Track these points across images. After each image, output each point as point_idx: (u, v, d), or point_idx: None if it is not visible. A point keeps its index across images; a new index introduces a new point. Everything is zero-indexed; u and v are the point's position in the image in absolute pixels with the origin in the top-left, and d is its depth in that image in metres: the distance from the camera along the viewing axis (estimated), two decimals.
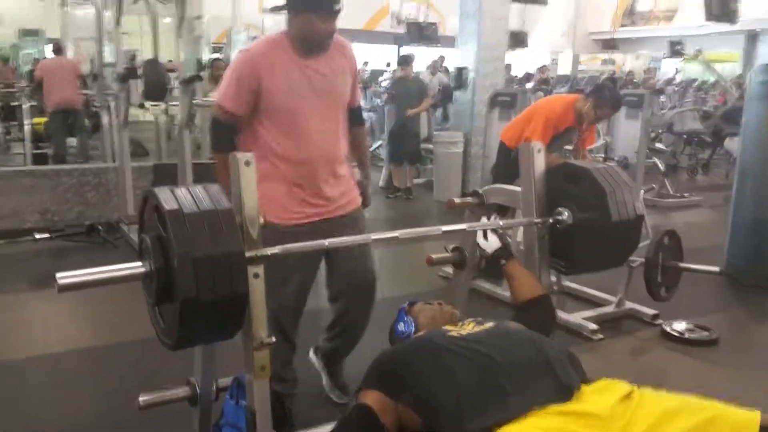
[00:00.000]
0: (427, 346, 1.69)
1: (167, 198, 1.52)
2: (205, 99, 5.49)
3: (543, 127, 3.96)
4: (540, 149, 2.26)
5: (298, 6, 2.20)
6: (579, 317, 3.58)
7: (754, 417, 1.41)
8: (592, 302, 3.89)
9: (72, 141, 8.00)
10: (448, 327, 1.81)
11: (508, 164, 4.17)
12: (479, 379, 1.54)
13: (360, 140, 2.62)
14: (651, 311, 3.71)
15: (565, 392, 1.52)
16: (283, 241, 1.78)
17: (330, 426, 2.02)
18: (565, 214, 2.20)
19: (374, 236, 1.92)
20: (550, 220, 2.20)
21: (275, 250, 1.72)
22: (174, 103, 6.06)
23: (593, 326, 3.49)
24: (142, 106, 5.83)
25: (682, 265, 3.50)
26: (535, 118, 4.03)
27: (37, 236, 4.91)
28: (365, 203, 2.58)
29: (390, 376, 1.68)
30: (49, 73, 7.55)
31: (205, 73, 6.82)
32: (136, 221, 4.89)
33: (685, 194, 7.55)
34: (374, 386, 1.68)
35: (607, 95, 3.96)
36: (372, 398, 1.64)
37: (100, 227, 5.10)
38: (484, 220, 2.13)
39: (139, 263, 1.56)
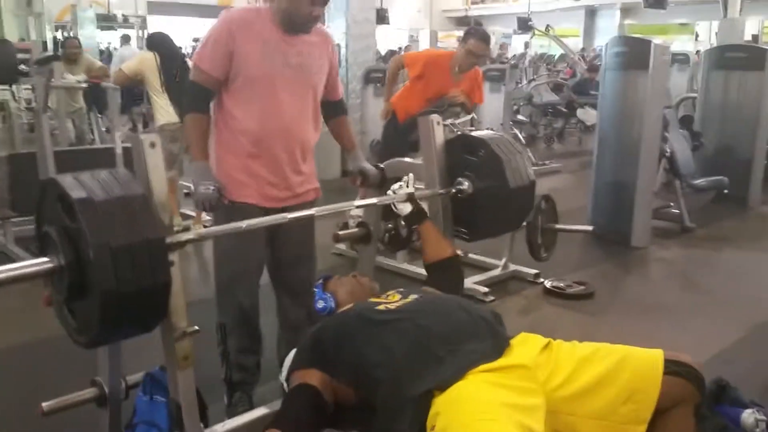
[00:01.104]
0: (358, 321, 1.71)
1: (72, 186, 1.41)
2: (62, 81, 5.10)
3: (418, 53, 4.33)
4: (439, 122, 2.32)
5: None
6: (470, 282, 3.73)
7: (659, 353, 1.57)
8: (480, 267, 4.07)
9: None
10: (374, 300, 1.83)
11: (395, 137, 4.27)
12: (414, 349, 1.58)
13: (345, 127, 2.55)
14: (533, 271, 3.94)
15: (497, 350, 1.59)
16: (233, 218, 1.75)
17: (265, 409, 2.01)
18: (466, 184, 2.29)
19: (290, 215, 1.89)
20: (452, 191, 2.27)
21: (191, 235, 1.66)
22: (25, 86, 5.59)
23: (484, 289, 3.66)
24: None
25: (559, 226, 3.75)
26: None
27: None
28: (366, 182, 2.47)
29: (324, 353, 1.67)
30: None
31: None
32: None
33: (546, 162, 8.02)
34: (310, 364, 1.67)
35: (473, 31, 4.18)
36: (311, 376, 1.63)
37: None
38: (395, 188, 2.16)
39: (45, 258, 1.44)
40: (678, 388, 1.53)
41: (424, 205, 2.23)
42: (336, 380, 1.64)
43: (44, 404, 1.80)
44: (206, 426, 1.87)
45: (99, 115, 7.26)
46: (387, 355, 1.59)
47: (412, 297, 1.79)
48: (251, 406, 2.28)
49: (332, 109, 2.50)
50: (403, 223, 2.14)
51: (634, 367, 1.55)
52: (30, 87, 5.94)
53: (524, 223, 3.61)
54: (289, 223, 1.90)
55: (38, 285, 1.53)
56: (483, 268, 4.05)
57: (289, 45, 2.20)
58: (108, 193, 1.42)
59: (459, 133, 2.67)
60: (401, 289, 1.86)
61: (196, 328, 1.62)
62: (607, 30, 20.03)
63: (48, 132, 4.65)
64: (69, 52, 6.48)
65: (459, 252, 2.33)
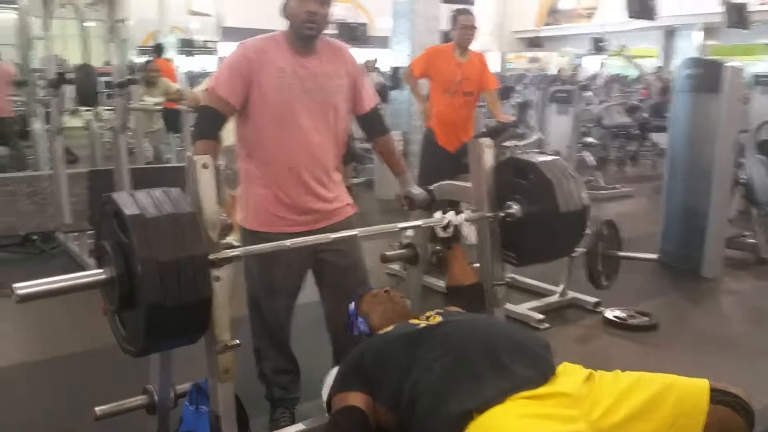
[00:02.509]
0: (399, 341, 1.72)
1: (127, 203, 1.49)
2: (140, 103, 5.37)
3: (423, 57, 4.53)
4: (489, 145, 2.32)
5: None
6: (525, 308, 3.69)
7: (704, 382, 1.52)
8: (536, 293, 4.00)
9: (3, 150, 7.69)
10: (414, 321, 1.84)
11: (433, 155, 4.42)
12: (454, 369, 1.59)
13: (390, 148, 2.53)
14: (593, 299, 3.84)
15: (541, 377, 1.58)
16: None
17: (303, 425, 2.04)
18: (515, 208, 2.27)
19: (333, 235, 1.93)
20: (501, 214, 2.26)
21: (236, 252, 1.72)
22: (106, 107, 5.90)
23: (539, 316, 3.60)
24: (75, 112, 5.63)
25: (621, 253, 3.65)
26: None
27: None
28: (413, 206, 2.43)
29: (367, 376, 1.70)
30: None
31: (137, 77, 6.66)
32: (73, 230, 4.76)
33: (616, 186, 7.83)
34: (353, 387, 1.69)
35: (457, 10, 4.45)
36: (356, 399, 1.66)
37: (35, 237, 4.91)
38: (437, 215, 2.17)
39: (100, 270, 1.53)
40: (724, 419, 1.47)
41: (472, 229, 2.24)
42: (378, 403, 1.65)
43: (97, 409, 1.90)
44: None
45: (176, 135, 7.59)
46: (427, 374, 1.59)
47: (455, 318, 1.79)
48: (293, 422, 2.32)
49: (370, 127, 2.48)
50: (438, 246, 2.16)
51: (678, 394, 1.50)
52: (111, 108, 6.25)
53: (583, 250, 3.56)
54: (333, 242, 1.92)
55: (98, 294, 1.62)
56: (539, 293, 3.99)
57: (305, 69, 2.19)
58: (159, 211, 1.49)
59: (519, 154, 2.66)
60: (440, 310, 1.87)
61: (237, 342, 1.67)
62: (687, 51, 19.40)
63: (125, 150, 4.90)
64: (148, 75, 6.83)
65: (509, 277, 2.32)
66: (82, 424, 2.09)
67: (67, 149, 7.56)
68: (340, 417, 1.67)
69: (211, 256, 1.57)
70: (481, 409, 1.48)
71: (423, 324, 1.76)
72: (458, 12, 4.41)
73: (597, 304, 3.83)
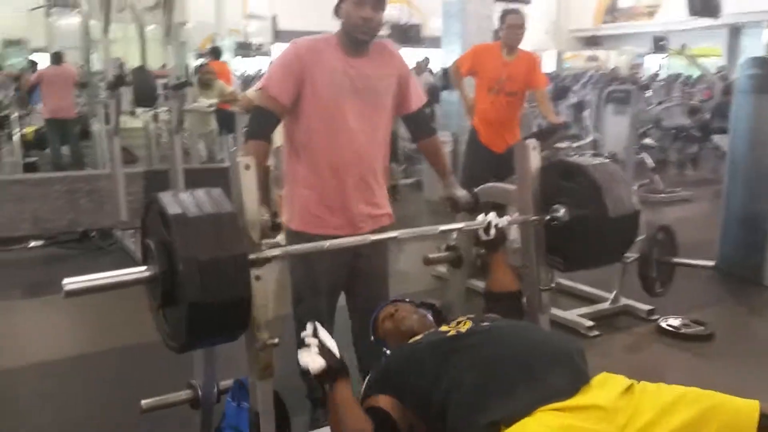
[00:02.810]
0: (427, 349, 1.71)
1: (170, 202, 1.52)
2: (195, 104, 5.50)
3: (469, 55, 4.53)
4: (536, 147, 2.27)
5: None
6: (574, 314, 3.60)
7: (754, 405, 1.44)
8: (587, 299, 3.91)
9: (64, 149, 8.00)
10: (444, 328, 1.82)
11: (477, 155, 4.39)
12: (483, 378, 1.55)
13: (436, 149, 2.52)
14: (646, 307, 3.73)
15: (573, 387, 1.53)
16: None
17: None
18: (561, 211, 2.21)
19: (372, 237, 1.93)
20: (547, 218, 2.21)
21: (276, 252, 1.73)
22: (163, 108, 6.07)
23: (589, 323, 3.51)
24: (133, 113, 5.82)
25: (677, 260, 3.53)
26: None
27: (31, 244, 4.90)
28: (457, 208, 2.42)
29: (394, 382, 1.69)
30: (48, 81, 7.56)
31: (194, 80, 6.84)
32: (129, 227, 4.92)
33: (676, 189, 7.59)
34: (385, 391, 1.69)
35: (504, 11, 4.42)
36: (385, 402, 1.65)
37: (93, 234, 5.09)
38: (480, 217, 2.14)
39: (144, 267, 1.57)
40: None
41: (517, 232, 2.20)
42: (408, 409, 1.64)
43: (143, 402, 1.94)
44: None
45: (230, 136, 7.74)
46: (455, 383, 1.57)
47: (485, 324, 1.76)
48: None
49: (416, 127, 2.47)
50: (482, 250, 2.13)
51: (723, 417, 1.42)
52: (167, 110, 6.43)
53: (637, 255, 3.46)
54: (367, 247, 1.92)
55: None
56: (590, 300, 3.89)
57: (355, 69, 2.20)
58: (201, 210, 1.52)
59: (568, 157, 2.61)
60: (472, 316, 1.84)
61: (276, 341, 1.68)
62: (753, 50, 18.65)
63: (180, 151, 5.03)
64: (203, 78, 6.99)
65: (556, 282, 2.28)
66: (130, 416, 2.14)
67: (126, 149, 7.83)
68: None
69: (251, 256, 1.59)
70: (509, 421, 1.45)
71: (452, 332, 1.74)
72: (506, 11, 4.37)
73: (650, 312, 3.72)
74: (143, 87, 4.66)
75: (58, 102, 7.49)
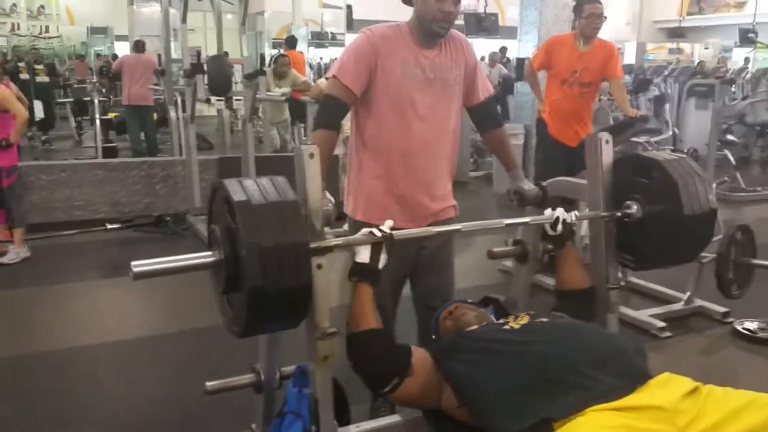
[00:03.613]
0: (482, 339, 1.71)
1: (236, 190, 1.55)
2: (268, 93, 5.59)
3: (542, 49, 4.42)
4: (608, 140, 2.20)
5: None
6: (645, 314, 3.49)
7: None
8: (659, 299, 3.78)
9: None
10: (501, 320, 1.81)
11: (548, 147, 4.33)
12: (534, 376, 1.54)
13: (503, 141, 2.48)
14: (722, 309, 3.59)
15: (629, 386, 1.49)
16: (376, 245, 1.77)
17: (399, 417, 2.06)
18: (634, 208, 2.14)
19: (436, 229, 1.91)
20: (618, 214, 2.14)
21: (338, 241, 1.74)
22: (238, 97, 6.21)
23: (660, 324, 3.40)
24: (208, 101, 5.97)
25: (756, 261, 3.36)
26: None
27: (109, 226, 5.12)
28: (523, 202, 2.36)
29: (445, 362, 1.71)
30: (129, 69, 7.87)
31: (268, 69, 6.98)
32: (202, 212, 5.05)
33: (758, 188, 7.23)
34: (428, 350, 1.75)
35: (577, 2, 4.28)
36: (420, 354, 1.73)
37: (168, 218, 5.27)
38: (548, 212, 2.09)
39: (209, 252, 1.60)
40: None
41: (585, 228, 2.14)
42: (446, 384, 1.69)
43: (208, 384, 1.99)
44: (345, 424, 1.94)
45: (302, 125, 7.86)
46: (504, 381, 1.56)
47: (542, 320, 1.73)
48: (393, 412, 2.33)
49: (483, 118, 2.43)
50: (550, 245, 2.07)
51: None
52: (240, 99, 6.58)
53: (714, 255, 3.31)
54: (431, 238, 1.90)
55: None
56: (662, 300, 3.76)
57: (427, 59, 2.17)
58: (265, 198, 1.54)
59: (652, 150, 2.51)
60: (532, 312, 1.81)
61: (336, 330, 1.69)
62: None
63: (252, 139, 5.15)
64: (279, 69, 7.11)
65: (626, 280, 2.21)
66: (195, 396, 2.20)
67: (202, 136, 8.08)
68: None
69: (313, 244, 1.60)
70: (561, 419, 1.42)
71: (507, 327, 1.73)
72: (582, 1, 4.21)
73: (726, 315, 3.57)
74: (218, 75, 4.77)
75: (137, 89, 7.77)
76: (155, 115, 8.43)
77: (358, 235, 1.78)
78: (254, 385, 2.07)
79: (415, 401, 1.83)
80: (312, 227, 1.66)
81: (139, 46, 8.21)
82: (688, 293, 3.68)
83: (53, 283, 4.13)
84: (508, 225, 1.98)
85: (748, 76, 12.30)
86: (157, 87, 7.79)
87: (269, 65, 7.04)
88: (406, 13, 2.24)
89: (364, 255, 1.76)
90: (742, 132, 8.53)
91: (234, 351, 2.67)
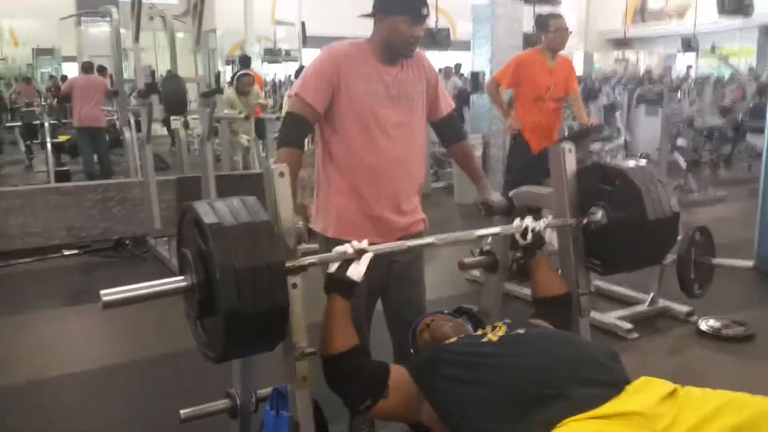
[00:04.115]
0: (459, 354, 1.71)
1: (206, 211, 1.52)
2: (227, 112, 5.53)
3: (504, 66, 4.42)
4: (571, 149, 2.24)
5: (387, 8, 2.16)
6: (613, 317, 3.55)
7: None
8: (624, 301, 3.85)
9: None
10: (480, 331, 1.81)
11: (521, 159, 4.27)
12: (514, 390, 1.54)
13: (467, 154, 2.51)
14: (685, 308, 3.67)
15: (608, 393, 1.50)
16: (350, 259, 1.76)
17: None
18: (599, 214, 2.18)
19: (409, 243, 1.90)
20: (584, 221, 2.17)
21: (312, 259, 1.72)
22: (194, 116, 6.14)
23: (628, 325, 3.46)
24: (166, 120, 5.88)
25: (715, 261, 3.45)
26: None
27: (66, 252, 4.97)
28: (491, 212, 2.37)
29: (423, 376, 1.71)
30: (79, 90, 7.69)
31: (230, 90, 6.93)
32: (163, 235, 4.95)
33: (709, 189, 7.46)
34: (406, 367, 1.74)
35: (541, 18, 4.41)
36: (397, 372, 1.72)
37: (127, 242, 5.15)
38: (516, 222, 2.11)
39: (181, 277, 1.57)
40: None
41: (554, 236, 2.17)
42: (429, 405, 1.66)
43: (182, 412, 1.94)
44: None
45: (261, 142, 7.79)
46: (484, 396, 1.56)
47: (518, 331, 1.74)
48: (372, 429, 2.31)
49: (447, 132, 2.45)
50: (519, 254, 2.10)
51: None
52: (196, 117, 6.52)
53: (675, 257, 3.39)
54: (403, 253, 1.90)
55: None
56: (627, 302, 3.83)
57: (390, 75, 2.19)
58: (236, 219, 1.51)
59: (608, 159, 2.56)
60: (508, 321, 1.82)
61: (314, 350, 1.67)
62: None
63: (211, 158, 5.06)
64: (243, 88, 7.09)
65: (593, 286, 2.24)
66: (168, 425, 2.15)
67: (158, 156, 7.94)
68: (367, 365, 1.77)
69: (288, 264, 1.58)
70: (546, 429, 1.43)
71: (485, 338, 1.74)
72: (550, 16, 4.31)
73: (689, 314, 3.65)
74: (174, 95, 4.70)
75: (89, 110, 7.60)
76: (108, 137, 8.27)
77: (333, 253, 1.77)
78: (229, 410, 2.03)
79: (392, 418, 1.84)
80: (285, 246, 1.65)
81: (87, 68, 8.05)
82: (652, 294, 3.75)
83: (12, 313, 3.98)
84: (479, 236, 2.00)
85: (692, 82, 12.71)
86: (109, 108, 7.64)
87: (230, 84, 6.98)
88: (360, 30, 2.26)
89: (336, 266, 1.75)
90: (691, 136, 8.79)
91: (206, 375, 2.62)
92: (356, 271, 1.73)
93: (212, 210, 1.53)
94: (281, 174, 1.69)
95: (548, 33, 4.21)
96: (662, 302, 3.77)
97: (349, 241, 1.89)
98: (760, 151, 8.04)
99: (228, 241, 1.47)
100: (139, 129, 6.68)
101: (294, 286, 1.62)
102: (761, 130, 7.62)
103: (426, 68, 2.31)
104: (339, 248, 1.75)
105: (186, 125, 7.47)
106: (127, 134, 6.41)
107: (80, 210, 5.22)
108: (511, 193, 2.38)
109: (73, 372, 3.19)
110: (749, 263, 3.74)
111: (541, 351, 1.64)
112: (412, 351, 2.05)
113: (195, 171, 5.82)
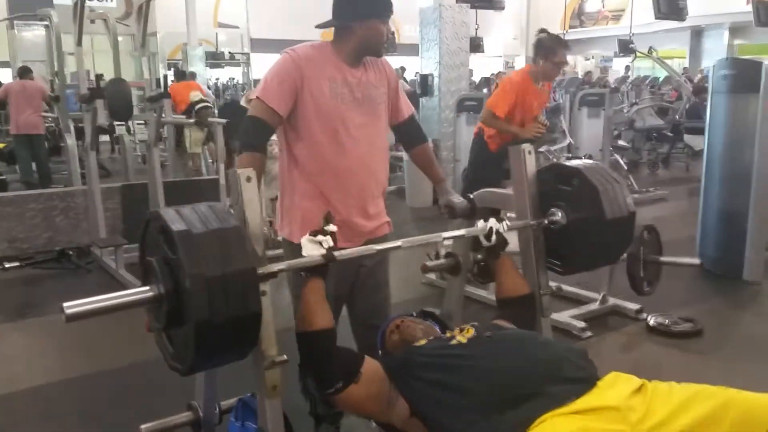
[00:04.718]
0: (431, 357, 1.72)
1: (173, 218, 1.48)
2: (174, 116, 5.41)
3: (502, 95, 4.07)
4: (531, 150, 2.27)
5: (365, 12, 2.14)
6: (566, 316, 3.62)
7: (766, 400, 1.44)
8: (577, 300, 3.93)
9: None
10: (448, 334, 1.82)
11: (484, 162, 4.23)
12: (487, 392, 1.56)
13: (429, 157, 2.51)
14: (635, 306, 3.77)
15: (580, 390, 1.53)
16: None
17: None
18: (559, 215, 2.21)
19: (377, 247, 1.90)
20: (545, 221, 2.21)
21: (282, 266, 1.70)
22: (139, 122, 5.99)
23: (581, 324, 3.53)
24: (111, 126, 5.70)
25: (664, 258, 3.56)
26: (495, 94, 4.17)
27: (7, 265, 4.76)
28: (454, 215, 2.39)
29: (399, 374, 1.72)
30: (15, 96, 7.40)
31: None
32: (107, 244, 4.78)
33: (650, 189, 7.70)
34: (383, 364, 1.75)
35: (549, 42, 3.97)
36: (370, 364, 1.72)
37: (71, 252, 4.96)
38: (480, 223, 2.13)
39: (147, 288, 1.52)
40: None
41: (514, 236, 2.19)
42: (401, 398, 1.69)
43: (143, 427, 1.89)
44: None
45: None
46: (458, 398, 1.57)
47: (486, 333, 1.76)
48: None
49: (408, 136, 2.46)
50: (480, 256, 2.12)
51: (738, 411, 1.43)
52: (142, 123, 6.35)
53: (624, 256, 3.48)
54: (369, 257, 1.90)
55: (141, 310, 1.59)
56: (579, 301, 3.91)
57: (354, 78, 2.18)
58: (205, 226, 1.47)
59: (554, 160, 2.61)
60: (476, 323, 1.84)
61: (285, 357, 1.64)
62: (715, 51, 19.14)
63: (158, 164, 4.95)
64: (202, 119, 6.92)
65: (553, 285, 2.28)
66: None
67: (100, 164, 7.70)
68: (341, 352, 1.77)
69: (259, 271, 1.55)
70: (523, 430, 1.45)
71: (455, 341, 1.75)
72: (558, 42, 3.99)
73: (639, 311, 3.75)
74: (119, 100, 4.56)
75: (26, 117, 7.33)
76: (47, 144, 7.97)
77: (304, 256, 1.75)
78: (193, 423, 1.99)
79: (361, 410, 1.81)
80: (253, 253, 1.61)
81: (23, 73, 7.73)
82: (603, 293, 3.84)
83: None
84: (446, 238, 2.01)
85: (629, 84, 13.15)
86: (48, 114, 7.37)
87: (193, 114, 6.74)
88: (305, 33, 2.24)
89: (309, 249, 1.75)
90: (631, 137, 9.09)
91: (165, 388, 2.55)
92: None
93: (180, 217, 1.49)
94: (248, 179, 1.66)
95: (550, 62, 3.95)
96: (612, 301, 3.86)
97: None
98: (697, 151, 8.44)
99: (198, 248, 1.43)
100: (79, 136, 6.48)
101: (263, 293, 1.59)
102: (698, 131, 8.00)
103: (387, 71, 2.32)
104: (309, 248, 1.74)
105: (128, 130, 7.26)
106: (69, 141, 6.18)
107: (21, 220, 5.01)
108: (472, 195, 2.41)
109: (24, 388, 3.05)
110: (696, 261, 3.88)
111: (512, 352, 1.66)
112: (380, 353, 2.04)
113: (139, 178, 5.67)
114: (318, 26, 2.33)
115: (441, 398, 1.61)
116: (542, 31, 4.08)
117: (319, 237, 1.75)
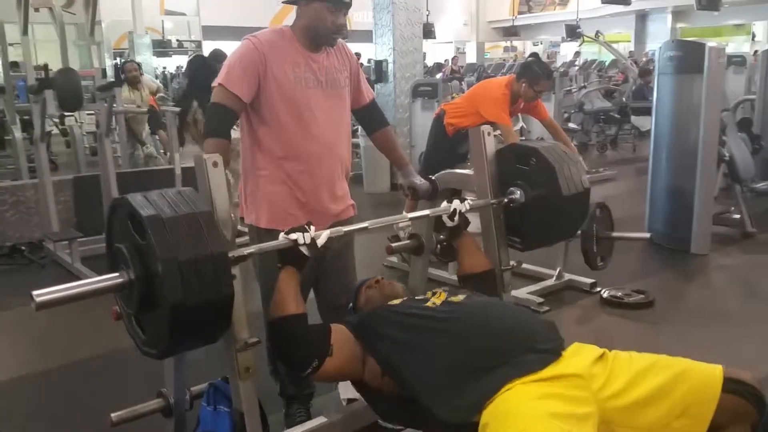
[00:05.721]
0: (405, 318, 1.77)
1: (142, 204, 1.48)
2: (127, 106, 5.30)
3: (503, 105, 4.07)
4: (490, 132, 2.33)
5: None
6: (524, 292, 3.72)
7: (718, 369, 1.54)
8: (532, 277, 4.03)
9: None
10: (421, 297, 1.87)
11: (438, 144, 4.30)
12: (460, 358, 1.61)
13: (391, 140, 2.53)
14: (589, 280, 3.90)
15: (548, 359, 1.60)
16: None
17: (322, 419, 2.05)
18: (518, 193, 2.28)
19: (346, 228, 1.93)
20: (505, 200, 2.27)
21: (252, 249, 1.71)
22: (90, 112, 5.84)
23: (539, 299, 3.64)
24: (62, 117, 5.54)
25: (616, 234, 3.69)
26: (484, 107, 4.10)
27: None
28: (417, 196, 2.44)
29: (366, 334, 1.78)
30: None
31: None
32: (61, 238, 4.65)
33: (600, 169, 7.90)
34: (347, 326, 1.81)
35: (537, 70, 4.11)
36: (338, 330, 1.79)
37: (23, 247, 4.84)
38: (444, 204, 2.18)
39: (116, 274, 1.52)
40: (735, 407, 1.50)
41: (475, 216, 2.25)
42: (369, 356, 1.76)
43: (113, 415, 1.88)
44: None
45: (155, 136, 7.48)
46: (428, 360, 1.63)
47: (460, 297, 1.81)
48: (309, 417, 2.32)
49: (370, 120, 2.49)
50: (442, 236, 2.18)
51: (691, 381, 1.53)
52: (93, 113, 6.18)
53: (578, 232, 3.59)
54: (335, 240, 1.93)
55: (102, 300, 1.58)
56: (536, 278, 4.02)
57: (316, 62, 2.19)
58: (175, 211, 1.48)
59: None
60: (447, 288, 1.89)
61: (257, 339, 1.67)
62: (659, 34, 19.66)
63: (111, 155, 4.86)
64: (129, 75, 6.72)
65: (512, 263, 2.35)
66: (100, 429, 2.06)
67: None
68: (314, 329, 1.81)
69: (229, 254, 1.57)
70: (490, 397, 1.51)
71: (429, 303, 1.80)
72: (545, 75, 4.12)
73: (593, 285, 3.88)
74: (69, 90, 4.44)
75: None
76: None
77: (281, 239, 1.79)
78: (163, 409, 1.99)
79: (340, 377, 1.88)
80: (224, 237, 1.63)
81: None
82: (558, 269, 3.96)
83: None
84: (411, 219, 2.05)
85: (577, 68, 13.40)
86: None
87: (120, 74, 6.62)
88: (256, 19, 2.23)
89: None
90: (580, 119, 9.29)
91: (131, 378, 2.54)
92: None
93: (148, 202, 1.49)
94: (215, 164, 1.67)
95: (532, 88, 4.05)
96: (567, 276, 3.99)
97: (282, 231, 1.90)
98: (643, 132, 8.69)
99: (168, 233, 1.43)
100: (25, 128, 6.29)
101: (234, 276, 1.60)
102: (644, 112, 8.22)
103: (348, 55, 2.33)
104: (293, 236, 1.77)
105: (76, 121, 7.06)
106: (17, 134, 5.99)
107: None
108: (434, 177, 2.45)
109: None
110: (646, 235, 4.03)
111: (484, 318, 1.71)
112: (351, 308, 2.07)
113: (89, 170, 5.55)
114: (284, 1, 2.31)
115: (407, 358, 1.66)
116: (533, 55, 4.17)
117: (296, 234, 1.77)
